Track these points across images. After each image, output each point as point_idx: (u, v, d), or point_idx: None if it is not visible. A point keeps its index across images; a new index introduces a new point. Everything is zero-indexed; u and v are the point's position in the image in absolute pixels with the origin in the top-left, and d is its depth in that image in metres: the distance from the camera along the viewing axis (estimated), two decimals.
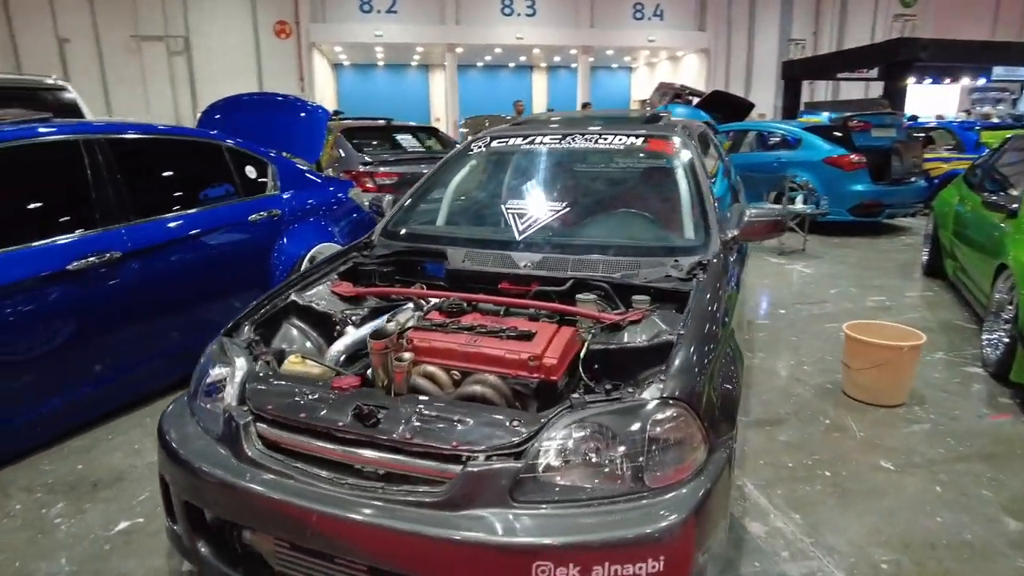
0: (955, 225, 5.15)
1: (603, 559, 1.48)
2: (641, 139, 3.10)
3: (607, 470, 1.61)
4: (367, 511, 1.59)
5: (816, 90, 25.58)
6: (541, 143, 3.26)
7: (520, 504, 1.56)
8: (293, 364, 2.13)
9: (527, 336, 2.01)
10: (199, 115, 5.31)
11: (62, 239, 2.92)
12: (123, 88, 21.57)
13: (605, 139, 3.12)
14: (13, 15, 21.04)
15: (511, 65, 29.79)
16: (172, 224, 3.43)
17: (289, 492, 1.70)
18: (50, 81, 6.71)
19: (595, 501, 1.57)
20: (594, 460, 1.62)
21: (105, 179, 3.14)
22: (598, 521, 1.53)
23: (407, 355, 1.95)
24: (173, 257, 3.40)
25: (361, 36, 23.25)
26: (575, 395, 1.80)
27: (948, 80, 18.07)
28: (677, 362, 1.81)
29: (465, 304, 2.35)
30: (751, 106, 15.26)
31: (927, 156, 9.13)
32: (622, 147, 3.11)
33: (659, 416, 1.66)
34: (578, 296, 2.32)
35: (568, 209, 2.91)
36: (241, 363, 2.08)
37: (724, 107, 14.31)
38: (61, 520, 2.43)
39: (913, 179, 8.12)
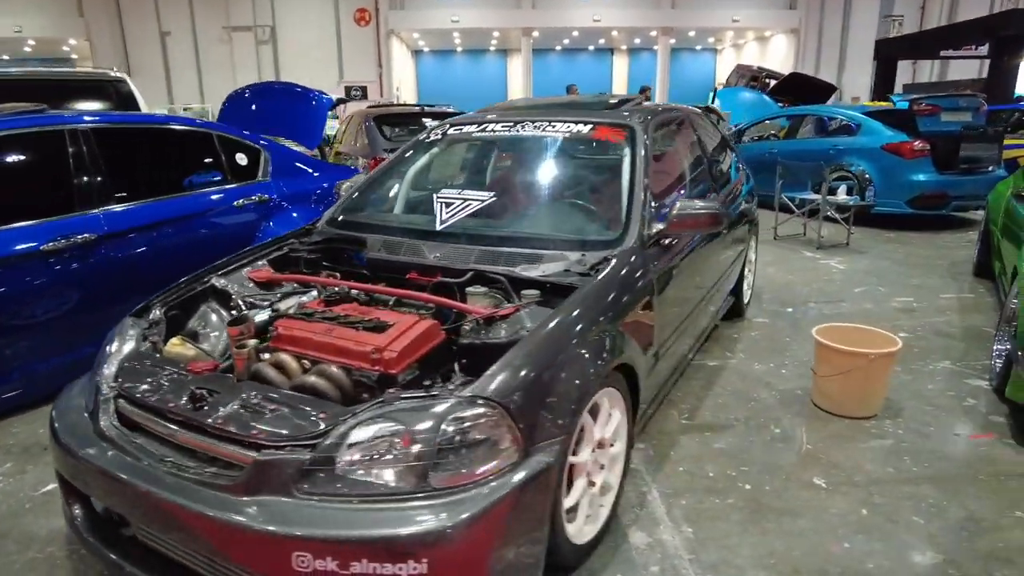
0: (1004, 220, 4.63)
1: (360, 555, 1.45)
2: (589, 127, 2.97)
3: (399, 467, 1.57)
4: (169, 490, 1.63)
5: (921, 71, 23.65)
6: (492, 131, 3.19)
7: (305, 495, 1.55)
8: (174, 346, 2.21)
9: (381, 328, 1.98)
10: (223, 102, 5.55)
11: (37, 222, 3.12)
12: (215, 76, 22.91)
13: (553, 127, 3.02)
14: (123, 11, 22.73)
15: (590, 48, 29.33)
16: (153, 208, 3.60)
17: (121, 467, 1.76)
18: (113, 74, 7.16)
19: (380, 498, 1.54)
20: (387, 457, 1.58)
21: (87, 166, 3.34)
22: (369, 517, 1.50)
23: (251, 342, 1.99)
24: (154, 239, 3.58)
25: (437, 22, 23.53)
26: (391, 390, 1.77)
27: None
28: (502, 361, 1.74)
29: (358, 293, 2.34)
30: (832, 89, 14.33)
31: (1011, 142, 8.24)
32: (568, 135, 3.00)
33: (459, 415, 1.61)
34: (468, 289, 2.26)
35: (497, 199, 2.84)
36: (129, 342, 2.18)
37: (803, 90, 13.52)
38: (2, 479, 2.64)
39: (989, 168, 7.34)
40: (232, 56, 23.32)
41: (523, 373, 1.72)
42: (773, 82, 14.87)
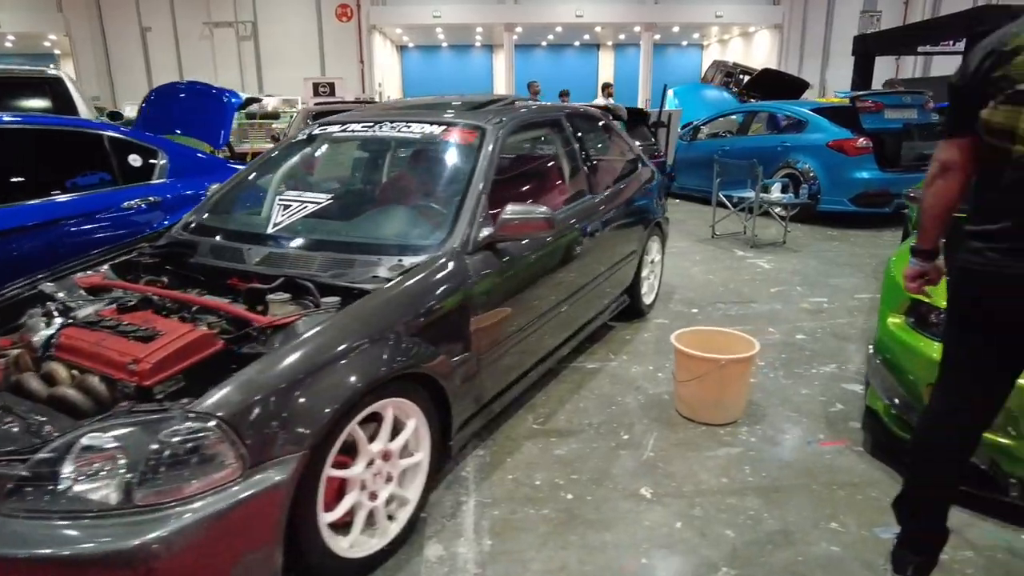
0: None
1: (44, 573, 1.40)
2: (441, 129, 2.91)
3: (107, 483, 1.51)
4: None
5: (905, 67, 23.51)
6: (352, 132, 3.13)
7: (12, 512, 1.49)
8: None
9: (151, 338, 1.91)
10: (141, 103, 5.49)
11: None
12: (196, 71, 22.73)
13: (408, 128, 2.95)
14: (103, 6, 22.62)
15: (576, 44, 29.21)
16: (27, 211, 3.53)
17: None
18: (50, 73, 7.05)
19: (84, 515, 1.48)
20: (97, 472, 1.52)
21: None
22: (65, 536, 1.45)
23: (14, 352, 1.95)
24: (26, 242, 3.52)
25: (419, 18, 23.44)
26: (124, 403, 1.71)
27: None
28: (237, 374, 1.68)
29: (162, 300, 2.28)
30: (805, 85, 14.24)
31: None
32: (420, 136, 2.93)
33: (174, 430, 1.54)
34: (269, 297, 2.20)
35: (336, 200, 2.78)
36: None
37: (776, 86, 13.45)
38: None
39: None
40: (213, 52, 23.25)
41: (254, 387, 1.66)
42: (747, 78, 14.79)
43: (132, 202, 4.02)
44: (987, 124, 1.54)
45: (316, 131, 3.24)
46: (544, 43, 28.88)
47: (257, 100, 6.12)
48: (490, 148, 2.74)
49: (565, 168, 3.43)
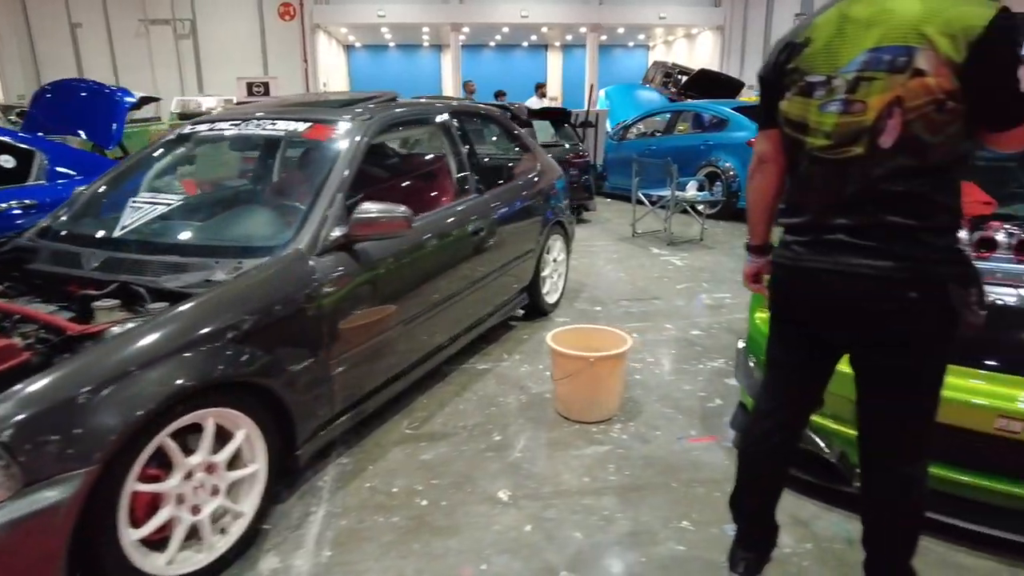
0: None
1: None
2: (305, 126, 2.82)
3: None
4: None
5: None
6: (219, 130, 3.02)
7: None
8: None
9: None
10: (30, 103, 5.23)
11: None
12: (132, 71, 22.04)
13: (273, 125, 2.86)
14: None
15: (524, 44, 29.24)
16: None
17: None
18: None
19: None
20: None
21: None
22: None
23: None
24: None
25: (364, 17, 23.10)
26: None
27: None
28: (13, 389, 1.57)
29: None
30: (740, 84, 14.49)
31: None
32: (284, 133, 2.84)
33: None
34: (95, 304, 2.08)
35: (187, 202, 2.67)
36: None
37: (712, 86, 13.65)
38: None
39: None
40: (150, 50, 22.50)
41: (34, 400, 1.55)
42: (685, 78, 14.99)
43: (1, 204, 3.82)
44: (785, 116, 1.53)
45: (185, 131, 3.11)
46: (492, 43, 28.84)
47: (154, 99, 5.88)
48: (352, 146, 2.66)
49: (449, 167, 3.37)
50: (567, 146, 7.50)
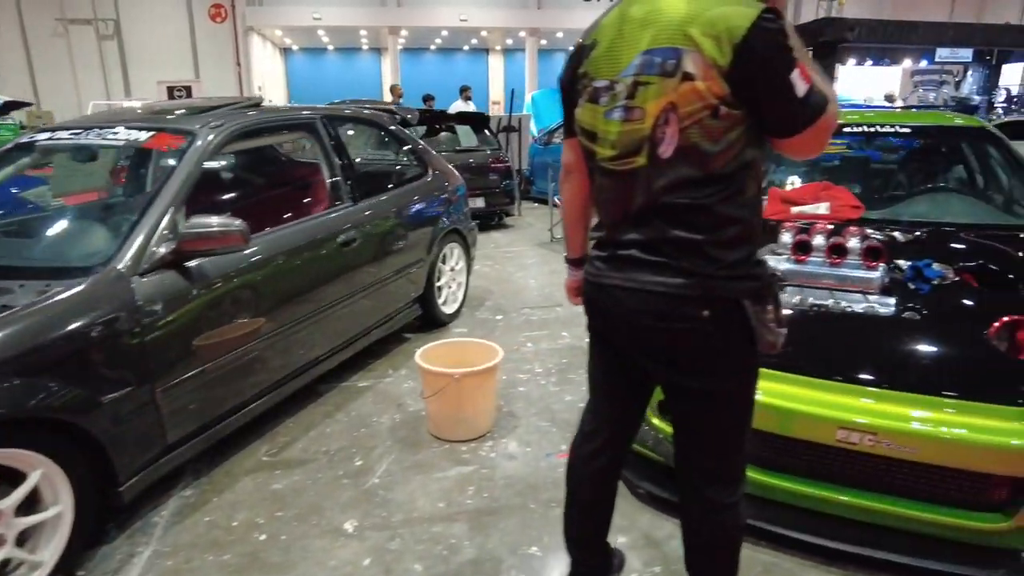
0: None
1: None
2: (147, 135, 2.63)
3: None
4: None
5: None
6: (58, 139, 2.80)
7: None
8: None
9: None
10: None
11: None
12: (51, 73, 21.08)
13: (115, 134, 2.65)
14: None
15: (465, 48, 29.14)
16: None
17: None
18: None
19: None
20: None
21: None
22: None
23: None
24: None
25: (299, 19, 22.62)
26: None
27: (888, 61, 17.35)
28: None
29: None
30: None
31: None
32: (124, 143, 2.64)
33: None
34: None
35: (6, 219, 2.45)
36: None
37: None
38: None
39: None
40: (71, 52, 21.53)
41: None
42: None
43: None
44: (579, 124, 1.45)
45: (24, 140, 2.88)
46: (433, 47, 28.63)
47: (22, 104, 5.54)
48: (192, 156, 2.49)
49: (318, 175, 3.22)
50: (488, 151, 7.42)
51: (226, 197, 3.12)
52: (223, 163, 3.12)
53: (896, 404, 1.88)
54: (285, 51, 28.69)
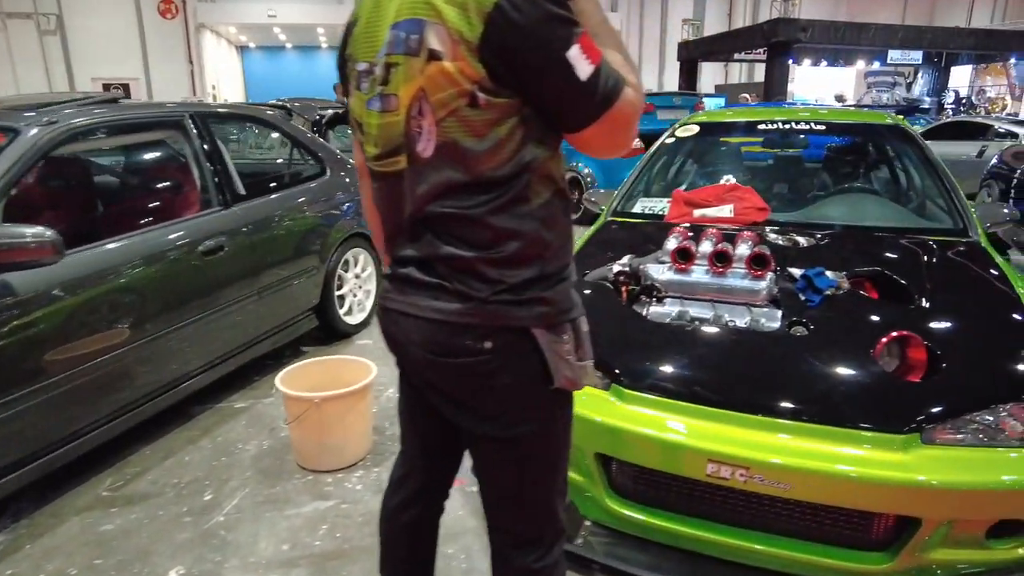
0: None
1: None
2: None
3: None
4: None
5: (732, 73, 25.05)
6: None
7: None
8: None
9: None
10: None
11: None
12: None
13: None
14: None
15: None
16: None
17: None
18: None
19: None
20: None
21: None
22: None
23: None
24: None
25: (253, 16, 22.08)
26: None
27: (842, 63, 17.51)
28: None
29: None
30: None
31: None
32: None
33: None
34: None
35: None
36: None
37: None
38: None
39: None
40: (9, 47, 20.64)
41: None
42: None
43: None
44: (352, 116, 1.20)
45: None
46: None
47: None
48: (12, 155, 2.19)
49: (182, 177, 2.93)
50: None
51: (62, 202, 2.81)
52: (62, 164, 2.81)
53: (770, 433, 1.67)
54: (241, 49, 28.05)
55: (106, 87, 15.71)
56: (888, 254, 2.36)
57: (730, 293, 2.06)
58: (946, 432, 1.63)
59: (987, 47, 15.69)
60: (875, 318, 1.93)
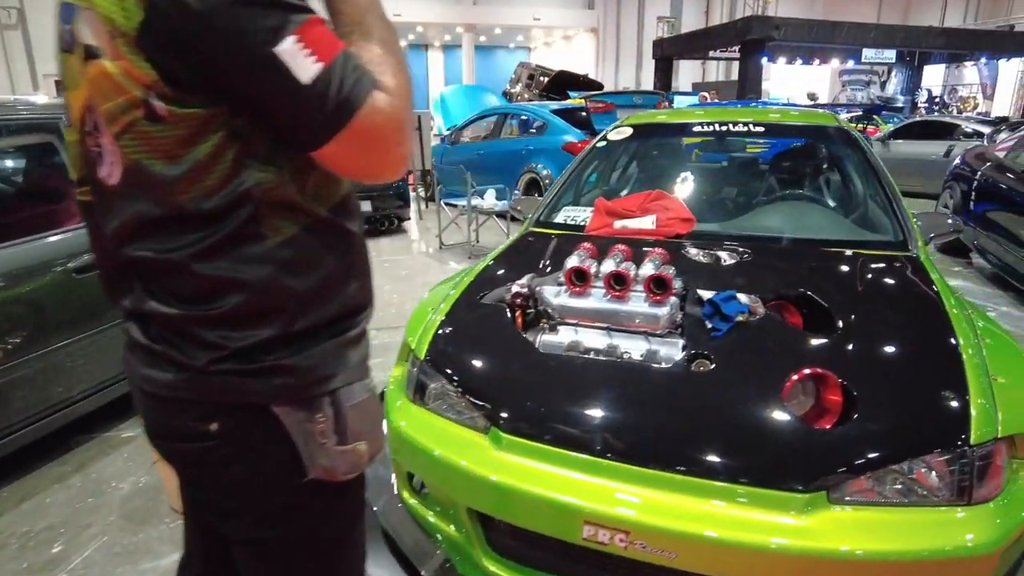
0: None
1: None
2: None
3: None
4: None
5: (709, 71, 24.95)
6: None
7: None
8: None
9: None
10: None
11: None
12: None
13: None
14: None
15: (403, 44, 28.47)
16: None
17: None
18: None
19: None
20: None
21: None
22: None
23: None
24: None
25: None
26: None
27: (817, 61, 17.42)
28: None
29: None
30: (599, 86, 14.45)
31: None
32: None
33: None
34: None
35: None
36: None
37: (570, 87, 13.48)
38: None
39: None
40: None
41: None
42: (546, 79, 14.76)
43: None
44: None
45: None
46: None
47: None
48: None
49: (65, 184, 2.65)
50: None
51: None
52: None
53: (655, 491, 1.44)
54: None
55: (59, 84, 15.20)
56: (817, 272, 2.14)
57: (628, 320, 1.82)
58: (857, 490, 1.40)
59: (959, 46, 15.68)
60: (788, 351, 1.70)
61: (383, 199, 6.86)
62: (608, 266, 1.95)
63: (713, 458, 1.45)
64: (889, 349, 1.71)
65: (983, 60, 17.75)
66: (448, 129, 9.12)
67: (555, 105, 7.97)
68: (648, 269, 1.92)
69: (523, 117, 7.98)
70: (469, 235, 5.94)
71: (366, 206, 6.70)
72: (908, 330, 1.80)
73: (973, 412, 1.46)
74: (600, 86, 14.50)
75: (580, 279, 1.90)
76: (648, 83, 23.30)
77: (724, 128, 2.93)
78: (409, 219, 7.35)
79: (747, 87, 13.79)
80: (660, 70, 17.87)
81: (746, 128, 2.92)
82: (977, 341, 1.75)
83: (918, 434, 1.45)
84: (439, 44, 28.66)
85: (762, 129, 2.92)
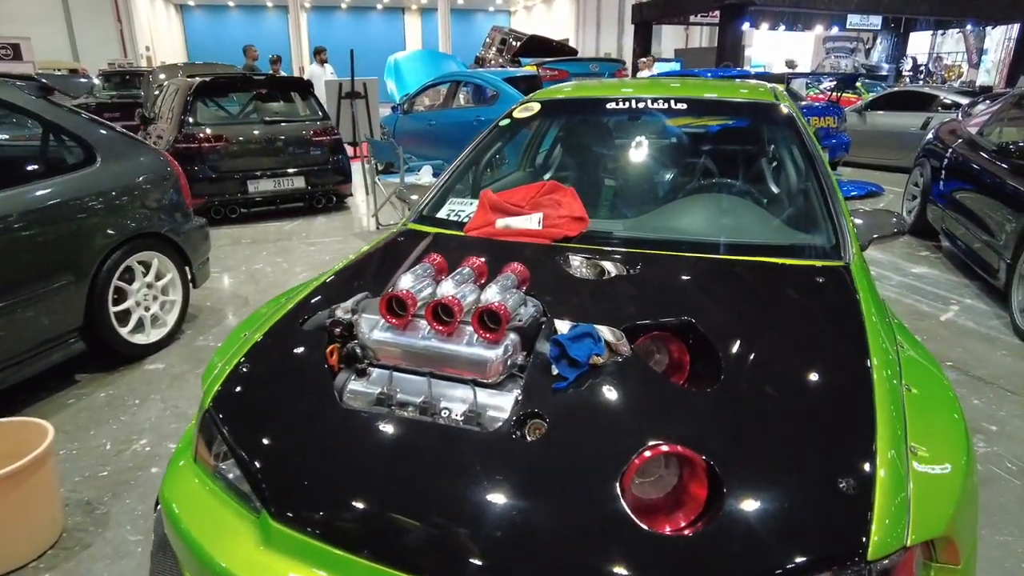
0: None
1: None
2: None
3: None
4: None
5: (692, 36, 24.22)
6: None
7: None
8: None
9: None
10: None
11: None
12: None
13: None
14: None
15: (379, 7, 27.47)
16: None
17: None
18: None
19: None
20: None
21: None
22: None
23: None
24: None
25: None
26: None
27: (801, 27, 16.80)
28: None
29: None
30: (572, 51, 13.89)
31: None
32: None
33: None
34: None
35: None
36: None
37: (543, 52, 12.92)
38: None
39: None
40: None
41: None
42: (518, 43, 14.15)
43: None
44: None
45: None
46: (344, 5, 26.88)
47: None
48: None
49: None
50: (308, 122, 6.37)
51: None
52: None
53: None
54: (181, 7, 26.50)
55: None
56: (720, 290, 1.74)
57: (453, 363, 1.41)
58: None
59: (945, 13, 15.13)
60: (644, 412, 1.30)
61: (320, 174, 6.37)
62: (445, 289, 1.53)
63: (529, 566, 1.06)
64: (782, 406, 1.31)
65: (968, 27, 17.20)
66: (402, 97, 8.58)
67: (508, 73, 7.45)
68: (492, 293, 1.51)
69: (476, 85, 7.45)
70: (404, 215, 5.49)
71: (298, 182, 6.22)
72: (815, 375, 1.40)
73: (875, 513, 1.07)
74: (574, 52, 13.94)
75: (400, 309, 1.48)
76: (629, 49, 22.60)
77: (641, 106, 2.49)
78: (351, 195, 6.86)
79: (726, 53, 13.25)
80: (640, 35, 17.24)
81: (666, 105, 2.48)
82: (900, 387, 1.36)
83: (800, 547, 1.06)
84: (416, 7, 27.71)
85: (684, 107, 2.47)
